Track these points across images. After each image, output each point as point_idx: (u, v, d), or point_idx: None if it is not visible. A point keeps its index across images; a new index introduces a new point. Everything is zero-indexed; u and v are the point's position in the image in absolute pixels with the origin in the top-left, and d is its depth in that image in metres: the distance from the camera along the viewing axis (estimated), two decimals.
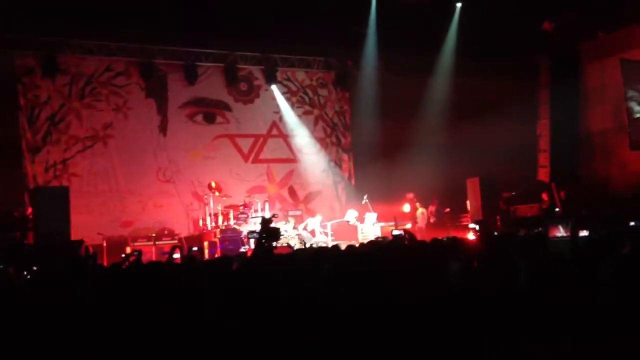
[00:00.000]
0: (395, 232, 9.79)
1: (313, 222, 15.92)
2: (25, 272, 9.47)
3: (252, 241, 13.78)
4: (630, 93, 16.79)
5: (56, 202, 12.96)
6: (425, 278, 4.50)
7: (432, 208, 17.60)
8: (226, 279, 5.24)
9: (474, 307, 3.74)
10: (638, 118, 16.76)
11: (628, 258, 4.71)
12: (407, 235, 8.29)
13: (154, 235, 15.12)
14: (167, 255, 11.12)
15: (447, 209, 17.64)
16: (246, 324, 3.69)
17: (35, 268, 10.02)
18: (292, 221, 15.55)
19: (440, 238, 8.52)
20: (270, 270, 5.37)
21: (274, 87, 18.13)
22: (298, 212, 16.61)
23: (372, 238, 13.54)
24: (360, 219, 16.25)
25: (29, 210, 13.30)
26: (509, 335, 3.55)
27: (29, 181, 15.11)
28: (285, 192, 18.28)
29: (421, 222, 17.16)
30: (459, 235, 13.71)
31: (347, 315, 3.66)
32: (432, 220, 17.41)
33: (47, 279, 6.24)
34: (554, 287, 4.27)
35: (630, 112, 16.81)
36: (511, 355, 3.45)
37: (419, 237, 15.17)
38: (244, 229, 14.89)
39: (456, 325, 3.53)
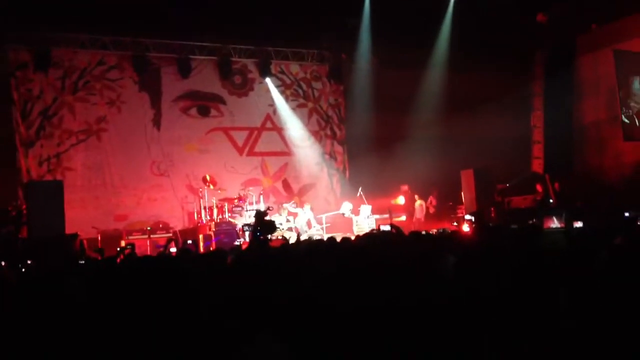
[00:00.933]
0: (383, 228, 9.76)
1: (304, 213, 15.90)
2: (20, 266, 9.46)
3: (247, 234, 13.79)
4: (620, 77, 16.84)
5: (50, 196, 12.91)
6: (421, 273, 4.50)
7: (432, 199, 17.63)
8: (220, 274, 5.23)
9: (474, 305, 3.75)
10: (625, 101, 16.83)
11: (620, 249, 4.72)
12: (394, 230, 8.30)
13: (148, 228, 15.11)
14: (162, 249, 11.14)
15: (450, 203, 17.65)
16: (243, 321, 3.68)
17: (29, 262, 10.02)
18: (284, 213, 15.57)
19: (434, 230, 8.55)
20: (266, 264, 5.36)
21: (268, 80, 18.09)
22: (292, 205, 16.60)
23: (367, 230, 13.56)
24: (355, 212, 16.29)
25: (24, 204, 13.26)
26: (509, 335, 3.55)
27: (22, 175, 15.05)
28: (279, 185, 18.27)
29: (419, 214, 17.20)
30: (455, 226, 13.80)
31: (345, 313, 3.65)
32: (431, 211, 17.45)
33: (41, 274, 6.23)
34: (548, 279, 4.27)
35: (622, 103, 16.87)
36: (511, 355, 3.46)
37: (416, 229, 15.25)
38: (239, 222, 14.90)
39: (456, 325, 3.53)
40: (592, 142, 18.81)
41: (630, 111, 16.88)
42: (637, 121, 16.97)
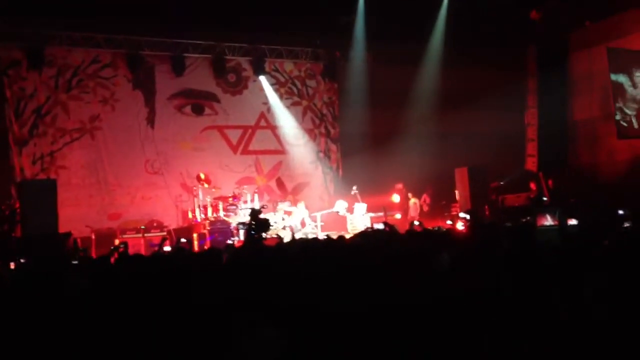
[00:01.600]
0: (377, 226, 9.74)
1: (298, 212, 15.90)
2: (12, 265, 9.44)
3: (241, 232, 13.77)
4: (614, 77, 16.85)
5: (43, 195, 12.88)
6: (417, 272, 4.49)
7: (425, 197, 17.63)
8: (215, 272, 5.22)
9: (471, 304, 3.74)
10: (620, 107, 16.82)
11: (612, 248, 4.73)
12: (388, 229, 8.30)
13: (142, 227, 15.04)
14: (156, 247, 11.11)
15: (444, 201, 17.65)
16: (238, 319, 3.67)
17: (22, 261, 9.99)
18: (280, 211, 15.56)
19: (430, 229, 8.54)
20: (261, 263, 5.35)
21: (262, 78, 18.05)
22: (287, 204, 16.58)
23: (362, 229, 13.56)
24: (350, 210, 16.28)
25: (17, 203, 13.21)
26: (509, 335, 3.54)
27: (16, 174, 14.98)
28: (273, 184, 18.24)
29: (413, 212, 17.18)
30: (449, 224, 13.80)
31: (341, 313, 3.64)
32: (425, 209, 17.44)
33: (33, 273, 6.20)
34: (543, 277, 4.28)
35: (615, 99, 16.88)
36: (511, 355, 3.45)
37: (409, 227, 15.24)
38: (233, 221, 14.88)
39: (453, 324, 3.52)
40: (586, 139, 18.84)
41: (627, 113, 16.86)
42: (634, 122, 16.98)
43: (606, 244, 4.98)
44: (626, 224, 6.59)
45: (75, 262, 8.47)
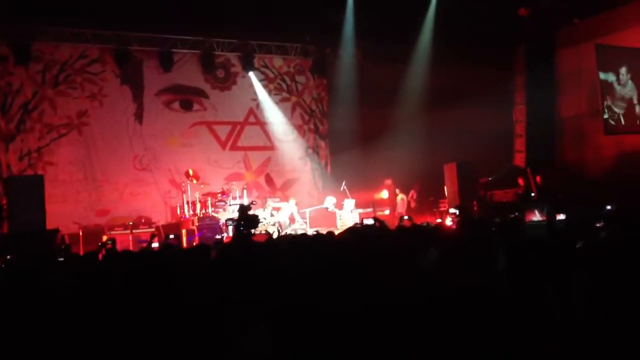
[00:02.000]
0: (367, 222, 9.71)
1: (288, 208, 15.89)
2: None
3: (230, 228, 13.75)
4: (603, 76, 16.91)
5: (31, 191, 12.80)
6: (406, 268, 4.49)
7: (413, 193, 17.66)
8: (204, 269, 5.20)
9: (462, 301, 3.74)
10: (608, 105, 16.88)
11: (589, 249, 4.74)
12: (378, 224, 8.29)
13: (131, 223, 15.00)
14: (145, 243, 11.09)
15: (432, 198, 17.68)
16: (229, 317, 3.66)
17: (9, 257, 9.94)
18: (269, 207, 15.55)
19: (418, 224, 8.54)
20: (250, 259, 5.34)
21: (251, 74, 18.00)
22: (276, 200, 16.57)
23: (351, 224, 13.57)
24: (339, 206, 16.29)
25: (4, 199, 13.14)
26: (505, 332, 3.55)
27: (3, 170, 14.88)
28: (262, 180, 18.22)
29: (401, 208, 17.21)
30: (437, 220, 13.84)
31: (332, 310, 3.64)
32: (412, 205, 17.48)
33: (21, 268, 6.17)
34: (532, 271, 4.29)
35: (603, 97, 16.95)
36: (512, 355, 3.45)
37: (398, 223, 15.26)
38: (222, 217, 14.85)
39: (444, 321, 3.52)
40: (574, 135, 18.92)
41: (615, 111, 16.92)
42: (622, 120, 17.06)
43: (581, 245, 4.99)
44: (597, 224, 6.48)
45: (62, 259, 8.44)
